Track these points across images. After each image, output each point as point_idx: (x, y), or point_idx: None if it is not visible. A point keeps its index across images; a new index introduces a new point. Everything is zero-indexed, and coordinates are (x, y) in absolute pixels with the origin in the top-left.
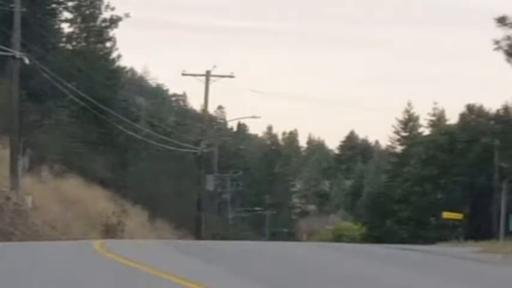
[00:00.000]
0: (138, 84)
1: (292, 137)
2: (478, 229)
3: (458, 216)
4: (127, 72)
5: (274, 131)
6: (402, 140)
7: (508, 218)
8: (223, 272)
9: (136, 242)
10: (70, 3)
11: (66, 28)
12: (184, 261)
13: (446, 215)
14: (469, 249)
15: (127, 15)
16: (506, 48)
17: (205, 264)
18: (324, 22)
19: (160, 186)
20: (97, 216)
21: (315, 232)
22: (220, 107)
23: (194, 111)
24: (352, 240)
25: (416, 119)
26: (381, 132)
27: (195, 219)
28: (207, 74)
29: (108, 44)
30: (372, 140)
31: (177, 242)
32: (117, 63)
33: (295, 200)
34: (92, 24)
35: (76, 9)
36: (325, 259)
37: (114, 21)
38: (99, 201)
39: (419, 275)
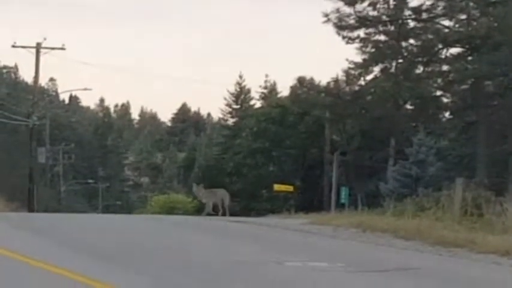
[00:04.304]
0: None
1: (124, 109)
2: (310, 201)
3: (289, 188)
4: None
5: (107, 103)
6: (234, 113)
7: (339, 190)
8: (50, 244)
9: None
10: None
11: None
12: (14, 234)
13: (277, 187)
14: (299, 221)
15: None
16: (335, 21)
17: (33, 236)
18: None
19: None
20: None
21: (147, 204)
22: (52, 79)
23: (26, 83)
24: (185, 212)
25: (248, 91)
26: (213, 105)
27: (28, 192)
28: (38, 46)
29: None
30: (204, 112)
31: (6, 214)
32: None
33: (128, 172)
34: None
35: None
36: (153, 230)
37: None
38: None
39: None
